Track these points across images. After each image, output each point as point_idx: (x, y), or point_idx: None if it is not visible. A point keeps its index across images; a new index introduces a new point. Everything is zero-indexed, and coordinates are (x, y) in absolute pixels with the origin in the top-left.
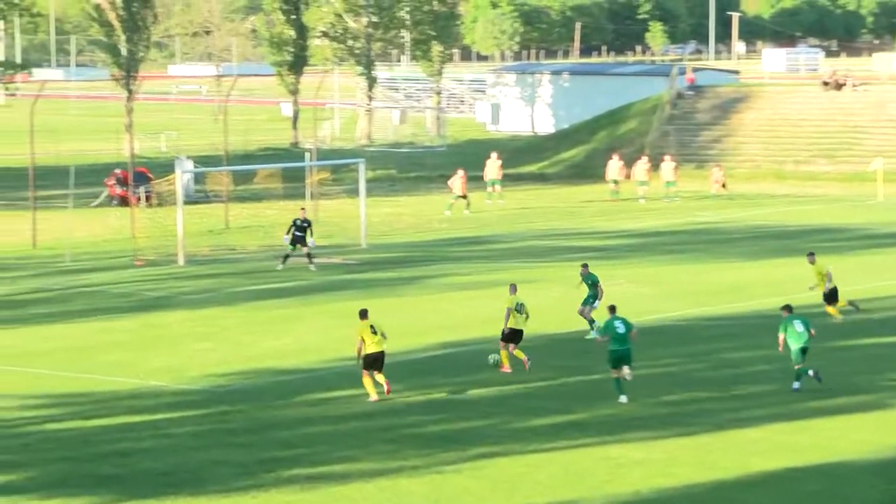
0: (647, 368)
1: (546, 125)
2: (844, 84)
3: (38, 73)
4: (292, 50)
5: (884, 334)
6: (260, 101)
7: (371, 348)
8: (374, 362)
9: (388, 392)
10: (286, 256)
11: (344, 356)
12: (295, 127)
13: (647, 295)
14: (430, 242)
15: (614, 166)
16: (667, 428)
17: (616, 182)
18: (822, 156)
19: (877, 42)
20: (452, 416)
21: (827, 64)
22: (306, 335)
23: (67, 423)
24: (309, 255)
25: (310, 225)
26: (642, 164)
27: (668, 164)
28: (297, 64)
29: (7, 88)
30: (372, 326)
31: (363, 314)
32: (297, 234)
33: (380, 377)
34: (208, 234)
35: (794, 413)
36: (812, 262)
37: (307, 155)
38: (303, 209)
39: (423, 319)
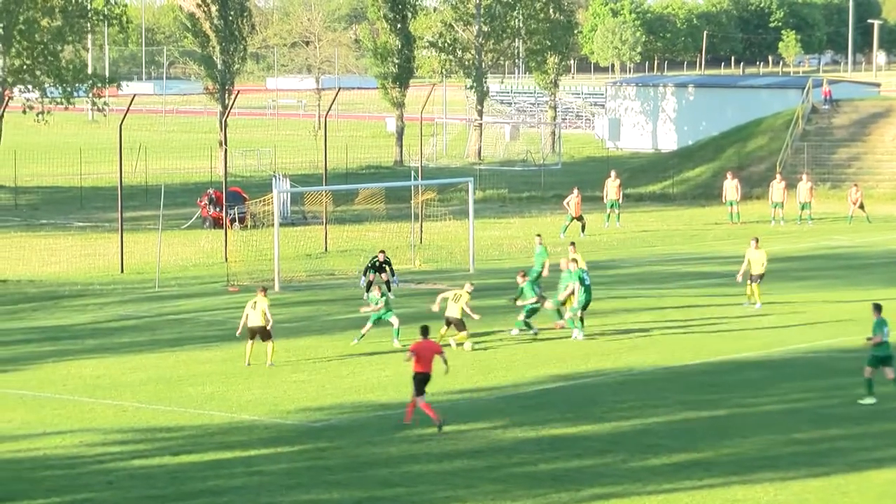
0: (776, 404)
1: (669, 142)
2: None
3: (128, 87)
4: (397, 61)
5: None
6: (362, 116)
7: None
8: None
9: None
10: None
11: (449, 388)
12: (399, 143)
13: (777, 324)
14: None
15: (730, 186)
16: (797, 468)
17: (733, 204)
18: None
19: None
20: (565, 454)
21: None
22: (409, 367)
23: (155, 458)
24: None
25: (390, 265)
26: (777, 184)
27: (804, 185)
28: (403, 76)
29: (95, 103)
30: None
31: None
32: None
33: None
34: (306, 258)
35: None
36: None
37: (413, 173)
38: (382, 252)
39: (533, 350)
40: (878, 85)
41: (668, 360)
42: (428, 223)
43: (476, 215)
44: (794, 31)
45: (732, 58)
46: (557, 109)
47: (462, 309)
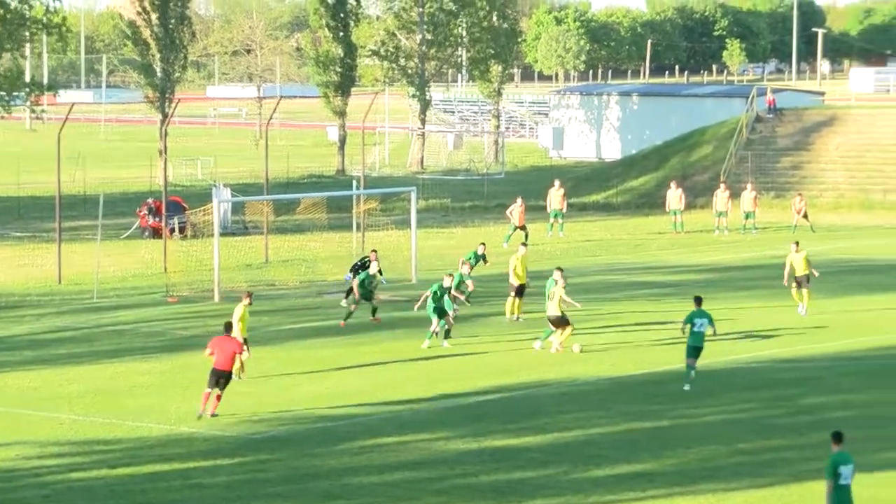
0: (719, 414)
1: (613, 151)
2: None
3: (67, 95)
4: (340, 69)
5: None
6: (304, 125)
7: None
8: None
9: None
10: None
11: (390, 399)
12: (341, 152)
13: (720, 335)
14: (486, 277)
15: (674, 196)
16: (740, 479)
17: (676, 213)
18: None
19: None
20: (507, 466)
21: None
22: (350, 378)
23: (92, 471)
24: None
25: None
26: (721, 194)
27: (748, 194)
28: (345, 85)
29: (33, 111)
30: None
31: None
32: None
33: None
34: (246, 268)
35: (877, 463)
36: None
37: (354, 183)
38: (374, 251)
39: (475, 360)
40: (822, 94)
41: (612, 370)
42: (370, 233)
43: (418, 225)
44: (738, 40)
45: (677, 66)
46: (501, 118)
47: (559, 303)
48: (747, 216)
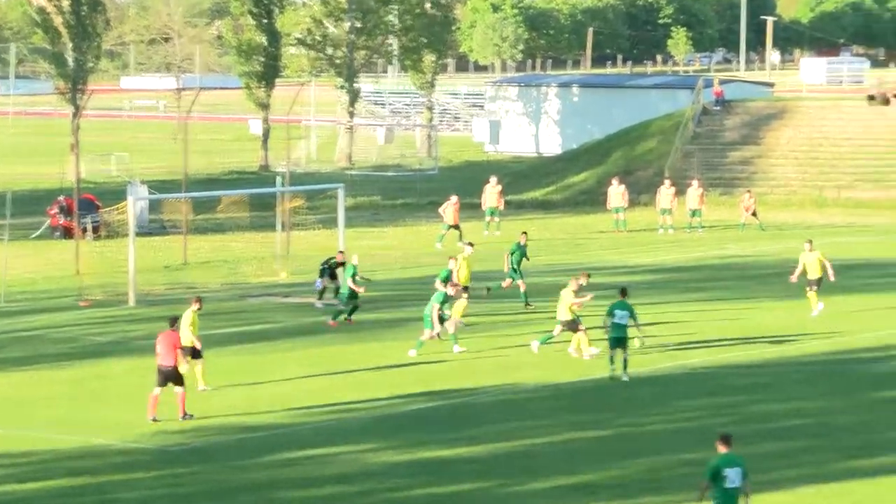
0: (663, 423)
1: (552, 145)
2: (893, 98)
3: None
4: (263, 59)
5: None
6: (226, 118)
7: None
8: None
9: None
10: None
11: (317, 408)
12: (265, 147)
13: (665, 339)
14: (419, 280)
15: (616, 193)
16: (686, 490)
17: (619, 211)
18: (867, 180)
19: None
20: (441, 479)
21: (873, 75)
22: (275, 386)
23: (0, 486)
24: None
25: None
26: (666, 190)
27: (694, 190)
28: (269, 75)
29: None
30: None
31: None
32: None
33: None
34: (164, 270)
35: (829, 474)
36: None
37: (279, 179)
38: (341, 252)
39: (408, 366)
40: (771, 85)
41: (552, 377)
42: (296, 232)
43: (347, 224)
44: (684, 28)
45: (619, 56)
46: (434, 111)
47: (570, 306)
48: (693, 214)
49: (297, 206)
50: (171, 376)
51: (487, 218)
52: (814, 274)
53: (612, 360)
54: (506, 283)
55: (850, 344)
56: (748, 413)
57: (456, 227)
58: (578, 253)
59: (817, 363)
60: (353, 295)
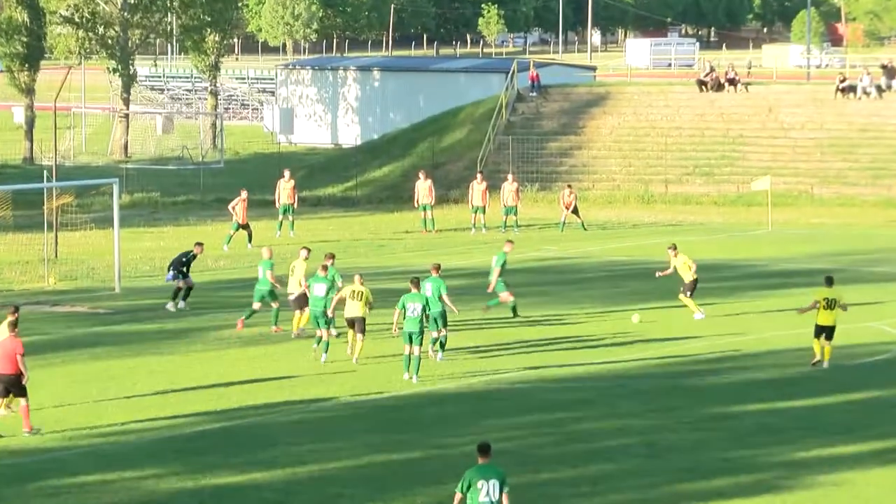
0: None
1: (352, 135)
2: (727, 83)
3: None
4: (26, 39)
5: (773, 398)
6: None
7: None
8: None
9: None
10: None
11: (91, 431)
12: (29, 138)
13: (479, 350)
14: (204, 286)
15: (423, 188)
16: None
17: (426, 208)
18: (697, 174)
19: (765, 31)
20: None
21: (704, 58)
22: (39, 406)
23: None
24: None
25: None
26: (478, 186)
27: (509, 186)
28: (33, 57)
29: None
30: None
31: None
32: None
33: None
34: None
35: (658, 498)
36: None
37: (45, 174)
38: (199, 244)
39: (192, 383)
40: (593, 69)
41: (353, 391)
42: (64, 233)
43: (123, 223)
44: (495, 6)
45: (425, 36)
46: (219, 97)
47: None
48: (508, 212)
49: (65, 203)
50: (15, 385)
51: (281, 216)
52: (687, 278)
53: (407, 357)
54: (503, 296)
55: (680, 354)
56: (570, 432)
57: (245, 226)
58: (382, 255)
59: (645, 376)
60: (273, 292)
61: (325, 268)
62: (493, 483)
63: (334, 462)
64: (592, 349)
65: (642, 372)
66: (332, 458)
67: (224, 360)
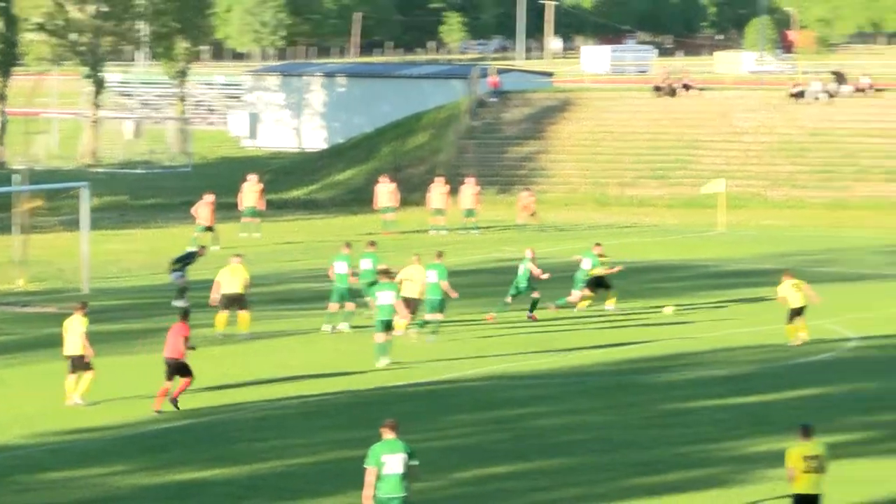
0: (436, 440)
1: (317, 140)
2: (682, 88)
3: None
4: None
5: (726, 394)
6: None
7: None
8: None
9: None
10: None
11: (57, 429)
12: (1, 142)
13: (437, 350)
14: (170, 287)
15: (385, 191)
16: None
17: (388, 211)
18: (652, 177)
19: (720, 38)
20: (195, 503)
21: (660, 64)
22: (8, 403)
23: None
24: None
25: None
26: (438, 189)
27: (469, 189)
28: (5, 63)
29: None
30: None
31: None
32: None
33: None
34: None
35: (613, 492)
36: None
37: (16, 177)
38: (203, 247)
39: (159, 382)
40: (551, 74)
41: (313, 389)
42: (35, 236)
43: (92, 226)
44: (458, 13)
45: (390, 43)
46: (187, 102)
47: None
48: (468, 214)
49: (35, 206)
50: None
51: (246, 219)
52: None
53: (379, 347)
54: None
55: (634, 353)
56: (526, 428)
57: (210, 228)
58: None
59: (599, 374)
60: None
61: (387, 273)
62: (399, 456)
63: (297, 458)
64: (550, 348)
65: (596, 369)
66: (295, 454)
67: (189, 359)
